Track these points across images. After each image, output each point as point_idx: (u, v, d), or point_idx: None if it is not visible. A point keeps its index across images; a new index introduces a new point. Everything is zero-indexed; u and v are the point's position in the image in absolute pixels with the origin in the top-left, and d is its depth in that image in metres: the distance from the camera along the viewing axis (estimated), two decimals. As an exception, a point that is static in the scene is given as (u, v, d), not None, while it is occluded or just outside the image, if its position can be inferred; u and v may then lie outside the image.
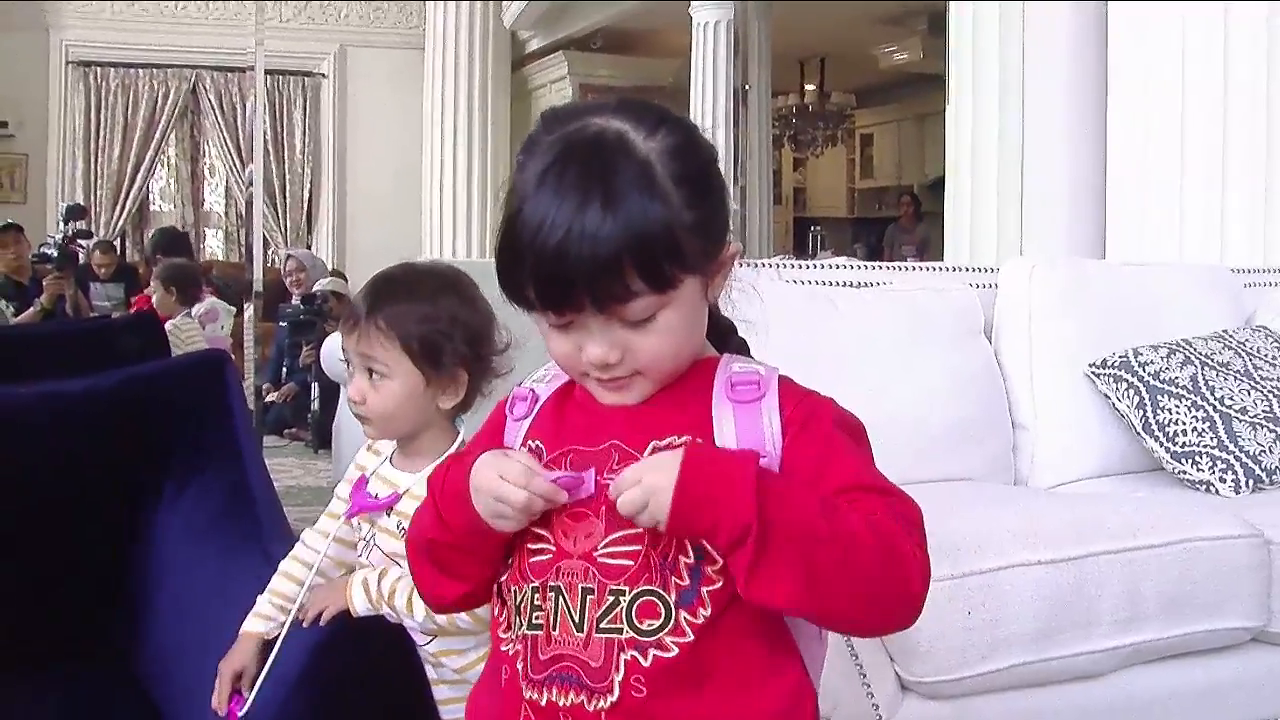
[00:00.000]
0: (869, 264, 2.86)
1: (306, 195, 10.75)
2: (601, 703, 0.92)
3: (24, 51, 9.84)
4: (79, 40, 10.20)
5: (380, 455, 1.45)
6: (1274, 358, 2.62)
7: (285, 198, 10.67)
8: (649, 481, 0.88)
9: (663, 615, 0.92)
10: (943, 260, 4.72)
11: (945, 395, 2.43)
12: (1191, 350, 2.56)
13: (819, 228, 12.17)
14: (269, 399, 6.67)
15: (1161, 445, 2.44)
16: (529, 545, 0.96)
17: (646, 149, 0.91)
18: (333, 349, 3.54)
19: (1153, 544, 1.94)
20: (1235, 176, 3.44)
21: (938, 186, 6.95)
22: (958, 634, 1.77)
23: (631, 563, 0.93)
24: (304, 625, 1.37)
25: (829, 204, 13.22)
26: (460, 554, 0.99)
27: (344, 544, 1.45)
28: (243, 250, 10.30)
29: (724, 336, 1.03)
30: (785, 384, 0.97)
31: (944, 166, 4.71)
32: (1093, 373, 2.54)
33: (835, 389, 1.00)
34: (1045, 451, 2.53)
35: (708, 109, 7.79)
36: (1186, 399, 2.46)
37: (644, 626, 0.92)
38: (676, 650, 0.92)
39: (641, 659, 0.92)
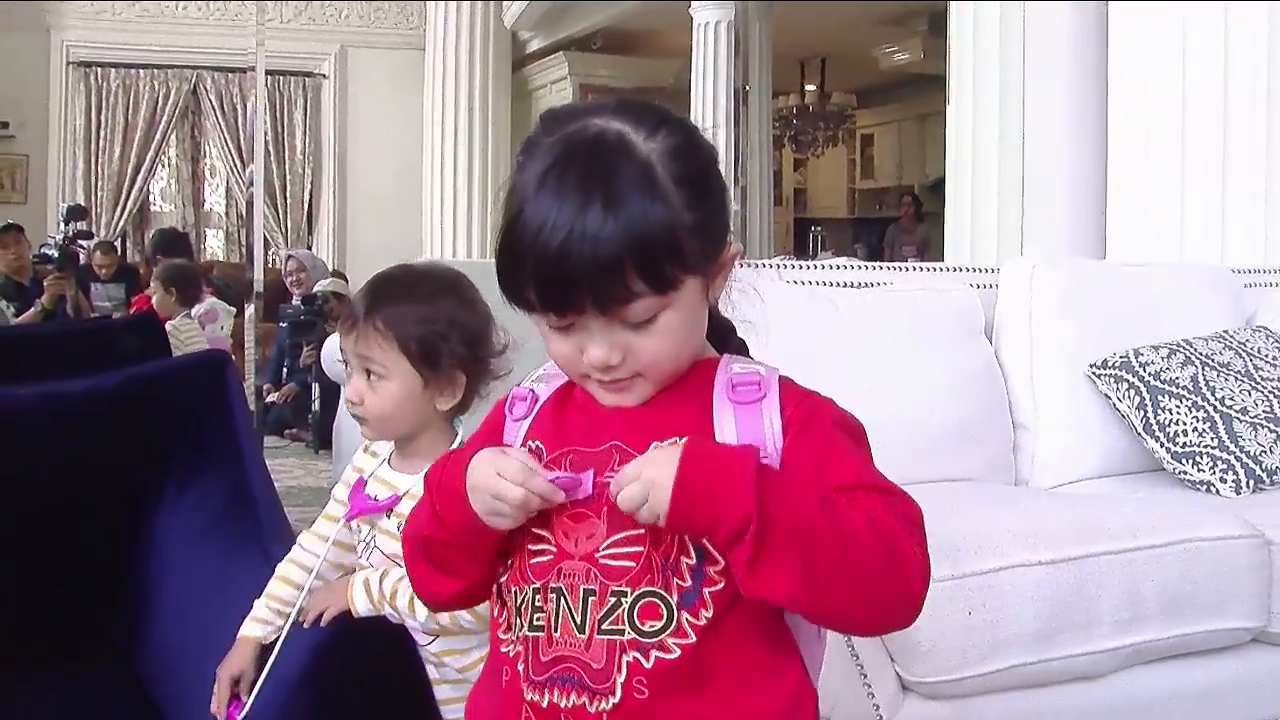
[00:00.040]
0: (869, 264, 2.86)
1: (307, 195, 10.74)
2: (603, 704, 0.92)
3: (24, 52, 9.84)
4: (80, 40, 10.19)
5: (378, 457, 1.45)
6: (1274, 358, 2.62)
7: (286, 198, 10.67)
8: (649, 476, 0.88)
9: (665, 616, 0.92)
10: (943, 260, 4.72)
11: (946, 395, 2.43)
12: (1192, 350, 2.56)
13: (819, 228, 12.15)
14: (269, 399, 6.68)
15: (1162, 445, 2.44)
16: (530, 546, 0.96)
17: (647, 150, 0.91)
18: (332, 349, 3.54)
19: (1153, 544, 1.94)
20: (1236, 176, 3.44)
21: (938, 187, 6.96)
22: (958, 634, 1.77)
23: (633, 564, 0.93)
24: (305, 626, 1.37)
25: (829, 204, 13.21)
26: (456, 551, 0.98)
27: (342, 547, 1.45)
28: (243, 251, 10.30)
29: (723, 337, 1.03)
30: (786, 384, 0.97)
31: (944, 167, 4.71)
32: (1093, 373, 2.54)
33: (835, 389, 1.00)
34: (1046, 452, 2.52)
35: (708, 109, 7.80)
36: (1187, 399, 2.46)
37: (646, 628, 0.92)
38: (678, 651, 0.92)
39: (644, 660, 0.92)
